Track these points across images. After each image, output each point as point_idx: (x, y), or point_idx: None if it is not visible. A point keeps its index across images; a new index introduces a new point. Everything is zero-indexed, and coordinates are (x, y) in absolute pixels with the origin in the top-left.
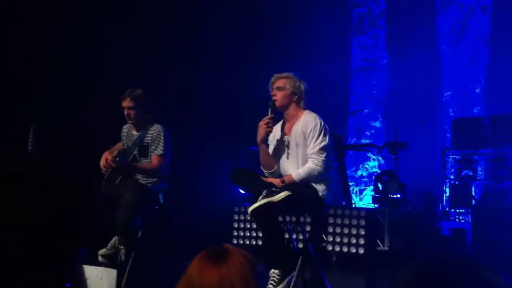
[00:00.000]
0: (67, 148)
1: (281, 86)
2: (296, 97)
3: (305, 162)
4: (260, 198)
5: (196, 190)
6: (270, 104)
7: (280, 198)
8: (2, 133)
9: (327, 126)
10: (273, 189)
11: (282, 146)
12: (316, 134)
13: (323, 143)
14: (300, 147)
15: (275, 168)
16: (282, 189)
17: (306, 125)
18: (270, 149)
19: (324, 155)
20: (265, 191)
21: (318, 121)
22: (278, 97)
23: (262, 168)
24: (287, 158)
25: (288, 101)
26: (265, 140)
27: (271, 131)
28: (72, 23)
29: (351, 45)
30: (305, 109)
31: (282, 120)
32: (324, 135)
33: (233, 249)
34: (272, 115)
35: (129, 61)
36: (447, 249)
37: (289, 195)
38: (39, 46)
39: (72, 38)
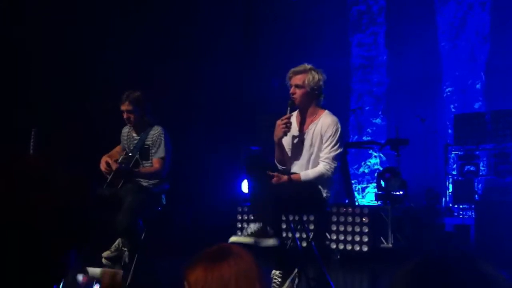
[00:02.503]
0: (67, 151)
1: (299, 84)
2: (316, 93)
3: (315, 162)
4: (249, 231)
5: (199, 190)
6: (289, 103)
7: (267, 245)
8: (3, 137)
9: (342, 133)
10: (268, 228)
11: (296, 142)
12: (335, 140)
13: (338, 151)
14: (314, 147)
15: (288, 165)
16: (284, 195)
17: (327, 128)
18: (286, 144)
19: (337, 163)
20: (257, 225)
21: (339, 126)
22: (297, 95)
23: (276, 162)
24: (299, 155)
25: (308, 100)
26: (281, 139)
27: (289, 131)
28: (72, 23)
29: (350, 42)
30: (323, 106)
31: (297, 113)
32: (341, 143)
33: (233, 247)
34: (291, 114)
35: (129, 62)
36: (449, 245)
37: (275, 245)
38: (39, 47)
39: (71, 39)
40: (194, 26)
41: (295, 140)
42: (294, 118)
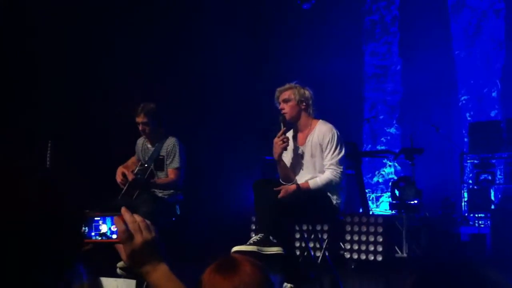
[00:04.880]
0: (83, 162)
1: (286, 98)
2: (304, 104)
3: (320, 172)
4: (252, 240)
5: (213, 200)
6: (281, 118)
7: (271, 253)
8: (20, 148)
9: (341, 136)
10: (271, 238)
11: (296, 156)
12: (334, 145)
13: (340, 155)
14: (316, 157)
15: (294, 180)
16: (291, 204)
17: (323, 136)
18: (287, 161)
19: (342, 166)
20: (259, 235)
21: (335, 131)
22: (287, 109)
23: (281, 181)
24: (302, 169)
25: (297, 111)
26: (281, 156)
27: (287, 146)
28: (83, 33)
29: (363, 51)
30: (316, 117)
31: (292, 130)
32: (341, 147)
33: (242, 259)
34: (285, 128)
35: (143, 72)
36: (460, 254)
37: (280, 253)
38: (53, 59)
39: (81, 49)
40: (208, 36)
41: (296, 156)
42: (290, 135)
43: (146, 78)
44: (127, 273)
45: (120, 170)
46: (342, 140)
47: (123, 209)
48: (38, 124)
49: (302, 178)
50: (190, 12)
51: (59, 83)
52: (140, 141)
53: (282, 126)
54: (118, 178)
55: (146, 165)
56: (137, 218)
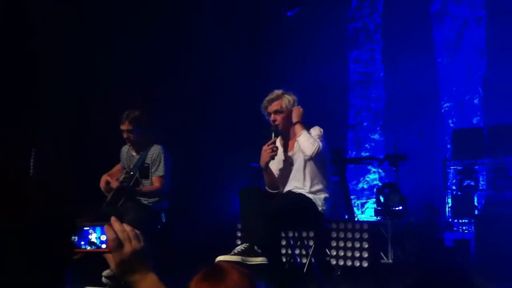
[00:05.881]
0: (67, 170)
1: (278, 109)
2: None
3: (312, 174)
4: (236, 250)
5: (198, 208)
6: (273, 129)
7: (254, 263)
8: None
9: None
10: (255, 247)
11: (285, 165)
12: (320, 131)
13: (322, 142)
14: (303, 160)
15: (280, 188)
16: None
17: (310, 131)
18: (274, 169)
19: (322, 144)
20: (244, 245)
21: (317, 127)
22: (279, 120)
23: (267, 188)
24: (290, 177)
25: (289, 122)
26: (268, 164)
27: (276, 155)
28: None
29: (347, 59)
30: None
31: (279, 138)
32: (325, 139)
33: (229, 267)
34: (276, 138)
35: (130, 78)
36: (446, 259)
37: (264, 263)
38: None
39: (72, 51)
40: (198, 44)
41: (285, 163)
42: (278, 142)
43: (134, 82)
44: (112, 282)
45: (104, 177)
46: (327, 139)
47: (112, 218)
48: (22, 130)
49: (290, 185)
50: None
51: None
52: (125, 148)
53: (273, 136)
54: (102, 186)
55: (131, 173)
56: (126, 227)
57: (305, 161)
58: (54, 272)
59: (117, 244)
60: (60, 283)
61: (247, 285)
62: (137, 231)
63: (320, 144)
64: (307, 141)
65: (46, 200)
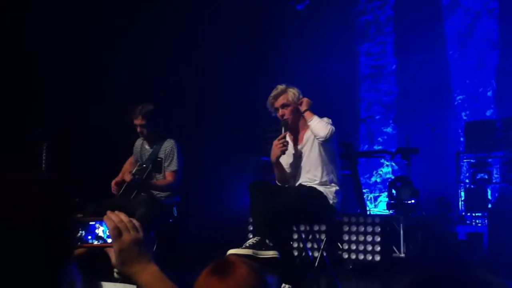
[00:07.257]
0: (79, 164)
1: (285, 103)
2: (300, 106)
3: (323, 163)
4: (248, 243)
5: (210, 202)
6: (283, 123)
7: (265, 256)
8: (15, 150)
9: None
10: (267, 241)
11: (296, 158)
12: (325, 120)
13: (332, 126)
14: (316, 152)
15: (291, 182)
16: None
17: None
18: (284, 163)
19: (332, 127)
20: (256, 238)
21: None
22: (288, 114)
23: (277, 182)
24: (301, 169)
25: (297, 115)
26: (279, 158)
27: (287, 149)
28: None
29: (358, 52)
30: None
31: (287, 132)
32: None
33: (237, 261)
34: (287, 132)
35: (138, 75)
36: (454, 254)
37: (275, 256)
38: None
39: (79, 50)
40: (202, 38)
41: (295, 156)
42: (288, 137)
43: (141, 80)
44: (124, 277)
45: (113, 183)
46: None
47: (108, 212)
48: (38, 125)
49: (302, 178)
50: (190, 13)
51: (58, 84)
52: (139, 142)
53: (283, 130)
54: (112, 188)
55: (144, 166)
56: (124, 218)
57: (318, 148)
58: (53, 272)
59: (117, 233)
60: (60, 282)
61: (255, 279)
62: (136, 222)
63: (333, 127)
64: (320, 123)
65: (46, 201)
